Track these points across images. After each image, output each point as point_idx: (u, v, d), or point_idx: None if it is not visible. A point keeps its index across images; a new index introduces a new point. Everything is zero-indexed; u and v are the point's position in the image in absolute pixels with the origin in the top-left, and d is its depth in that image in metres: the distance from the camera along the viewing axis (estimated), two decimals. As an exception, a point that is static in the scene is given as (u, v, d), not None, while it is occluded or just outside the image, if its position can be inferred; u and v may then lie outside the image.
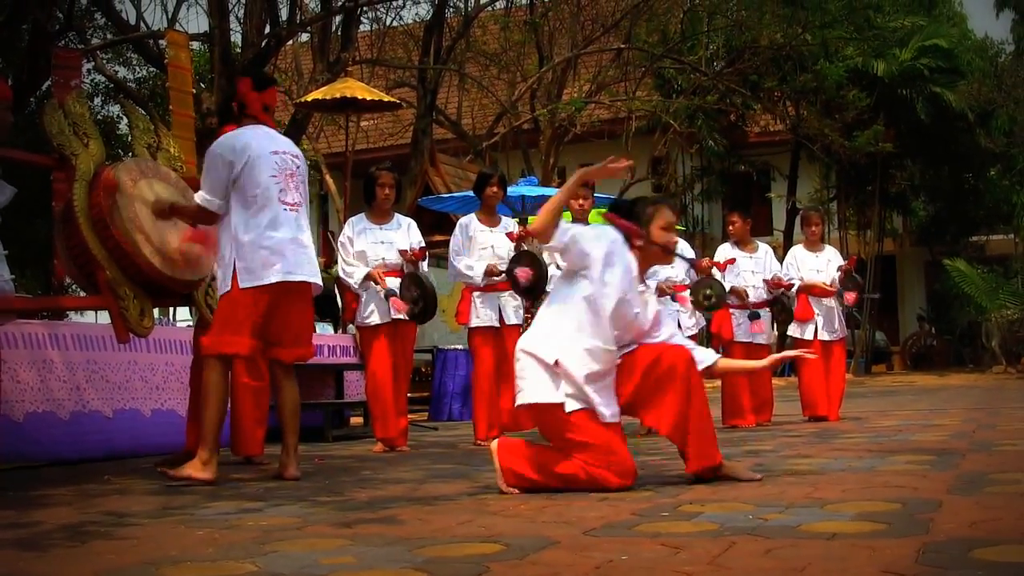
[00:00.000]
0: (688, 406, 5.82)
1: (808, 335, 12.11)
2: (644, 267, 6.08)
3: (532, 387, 5.80)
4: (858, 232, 34.15)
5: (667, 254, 6.18)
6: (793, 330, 12.22)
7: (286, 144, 7.43)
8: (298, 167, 7.37)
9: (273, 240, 7.04)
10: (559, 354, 5.72)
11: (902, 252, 37.41)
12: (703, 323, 12.01)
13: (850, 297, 12.09)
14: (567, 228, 5.86)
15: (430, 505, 5.31)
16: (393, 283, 9.76)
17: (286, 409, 7.30)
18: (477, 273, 10.11)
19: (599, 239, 5.90)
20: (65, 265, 7.70)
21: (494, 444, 5.93)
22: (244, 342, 7.01)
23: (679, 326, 11.01)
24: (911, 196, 34.95)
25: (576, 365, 5.72)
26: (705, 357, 6.12)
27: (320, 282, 7.42)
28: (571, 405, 5.71)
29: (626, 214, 6.09)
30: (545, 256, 10.31)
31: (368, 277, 9.78)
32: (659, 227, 6.04)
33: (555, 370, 5.73)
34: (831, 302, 12.17)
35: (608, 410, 5.79)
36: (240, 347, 7.01)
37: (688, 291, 11.21)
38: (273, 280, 7.02)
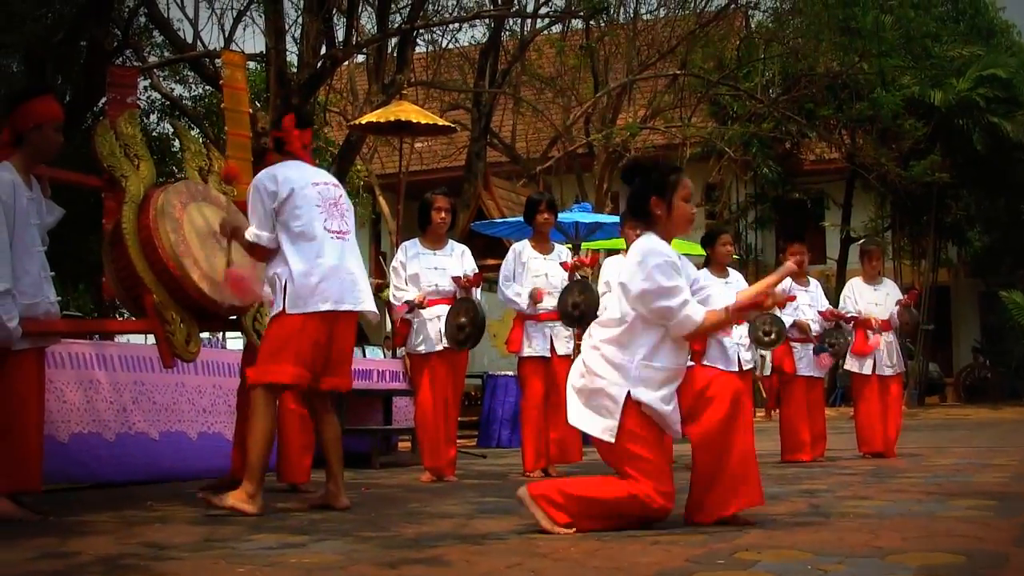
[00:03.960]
0: (733, 435, 5.78)
1: (866, 369, 11.91)
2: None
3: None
4: (912, 262, 33.86)
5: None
6: (851, 364, 12.03)
7: (326, 176, 7.39)
8: (340, 195, 7.30)
9: (321, 269, 6.94)
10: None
11: (957, 283, 37.06)
12: (762, 352, 11.85)
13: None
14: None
15: (477, 544, 5.17)
16: (445, 310, 9.66)
17: (328, 439, 7.20)
18: (523, 300, 10.00)
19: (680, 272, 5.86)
20: (113, 286, 7.64)
21: (523, 491, 5.79)
22: (288, 370, 6.88)
23: (738, 361, 10.84)
24: (966, 226, 34.64)
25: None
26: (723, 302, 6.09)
27: (373, 307, 7.32)
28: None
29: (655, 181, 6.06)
30: (601, 286, 10.21)
31: (409, 304, 9.69)
32: (682, 197, 6.01)
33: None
34: (889, 336, 11.98)
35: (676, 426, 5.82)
36: (284, 375, 6.88)
37: (746, 326, 11.02)
38: (322, 308, 6.91)
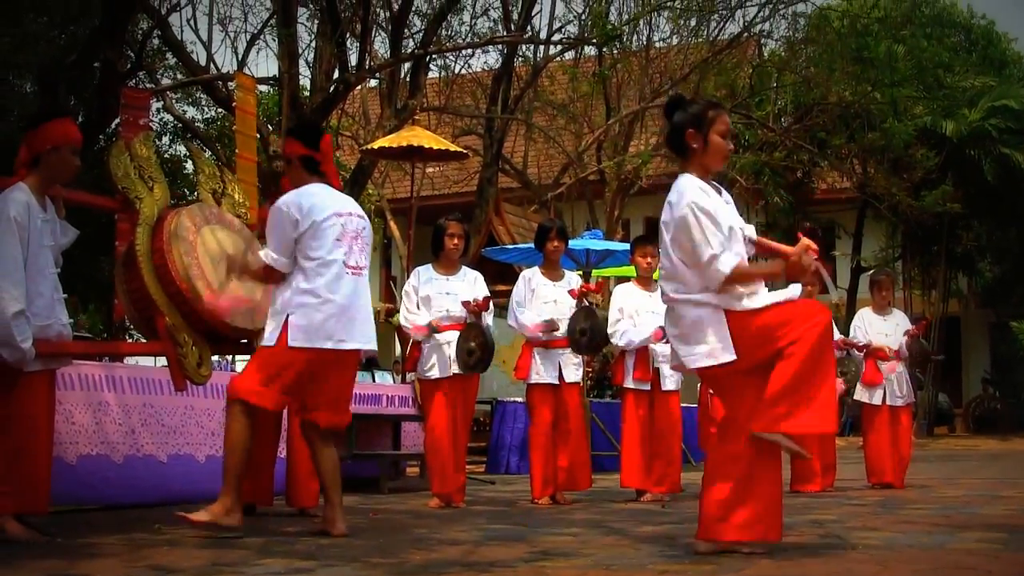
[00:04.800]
0: None
1: (876, 400, 11.91)
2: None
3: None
4: (923, 292, 33.82)
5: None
6: (860, 394, 12.01)
7: (352, 205, 7.26)
8: (364, 228, 7.20)
9: (331, 305, 6.86)
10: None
11: (967, 313, 37.01)
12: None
13: (892, 367, 11.76)
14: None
15: (485, 572, 5.15)
16: (456, 336, 9.67)
17: (326, 470, 7.12)
18: (539, 328, 10.01)
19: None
20: (125, 308, 7.65)
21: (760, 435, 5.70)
22: (275, 398, 6.85)
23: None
24: (977, 257, 34.62)
25: None
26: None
27: (374, 346, 7.28)
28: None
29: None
30: (613, 312, 10.24)
31: (428, 326, 9.70)
32: (718, 132, 5.99)
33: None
34: (899, 367, 11.98)
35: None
36: (267, 400, 6.83)
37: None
38: (326, 346, 6.85)
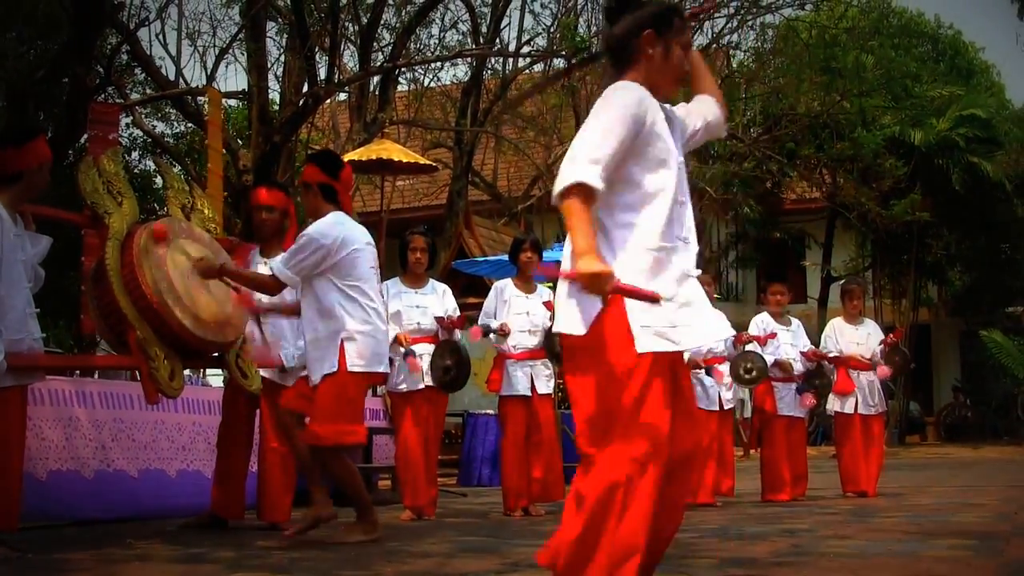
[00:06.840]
0: None
1: (848, 408, 11.93)
2: None
3: None
4: (893, 301, 33.87)
5: None
6: (833, 403, 12.04)
7: (368, 235, 7.49)
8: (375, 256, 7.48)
9: (380, 332, 7.20)
10: None
11: (937, 322, 37.07)
12: (740, 395, 11.83)
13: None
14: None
15: (458, 584, 5.16)
16: (426, 349, 9.67)
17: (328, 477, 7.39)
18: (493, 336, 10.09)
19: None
20: (95, 323, 7.64)
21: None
22: (361, 430, 7.20)
23: (719, 400, 10.91)
24: (947, 266, 34.67)
25: None
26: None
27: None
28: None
29: None
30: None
31: (395, 340, 9.68)
32: (681, 44, 4.44)
33: None
34: (871, 375, 12.00)
35: None
36: (361, 436, 7.19)
37: (727, 364, 11.06)
38: (381, 370, 7.25)
